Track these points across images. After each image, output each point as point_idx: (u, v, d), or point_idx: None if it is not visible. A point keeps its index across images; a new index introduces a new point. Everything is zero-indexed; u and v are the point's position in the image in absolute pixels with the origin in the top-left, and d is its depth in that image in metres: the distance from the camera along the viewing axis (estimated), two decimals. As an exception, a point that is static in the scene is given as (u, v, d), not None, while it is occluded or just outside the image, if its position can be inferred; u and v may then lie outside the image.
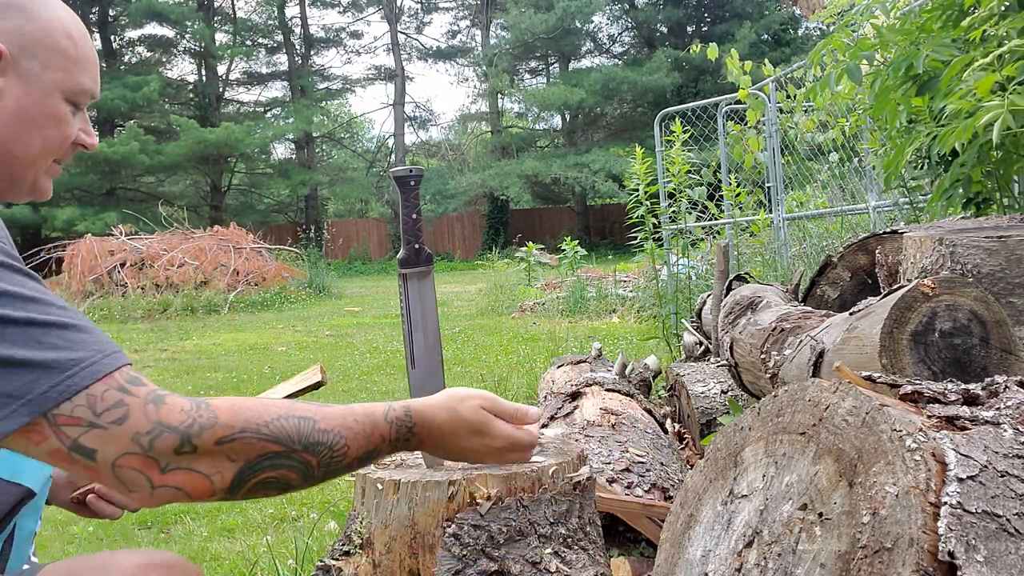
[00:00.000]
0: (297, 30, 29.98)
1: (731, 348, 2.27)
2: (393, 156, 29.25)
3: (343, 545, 1.29)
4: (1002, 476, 0.73)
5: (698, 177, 5.84)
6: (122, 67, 26.63)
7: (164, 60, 28.23)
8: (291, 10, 29.64)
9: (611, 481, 1.95)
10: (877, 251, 1.98)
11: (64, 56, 0.95)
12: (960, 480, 0.70)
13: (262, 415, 0.86)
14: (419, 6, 32.16)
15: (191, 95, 28.81)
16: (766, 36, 26.13)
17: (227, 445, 0.84)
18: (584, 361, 3.67)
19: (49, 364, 0.79)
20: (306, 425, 0.89)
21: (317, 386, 1.37)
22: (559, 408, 2.58)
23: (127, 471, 0.81)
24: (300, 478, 0.89)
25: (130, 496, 0.83)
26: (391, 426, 0.97)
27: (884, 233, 2.05)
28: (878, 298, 1.42)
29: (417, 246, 1.26)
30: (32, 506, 1.12)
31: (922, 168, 2.69)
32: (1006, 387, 0.90)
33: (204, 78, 28.59)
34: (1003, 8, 1.91)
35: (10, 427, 0.77)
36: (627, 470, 2.01)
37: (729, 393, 2.85)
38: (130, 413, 0.81)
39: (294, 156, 29.65)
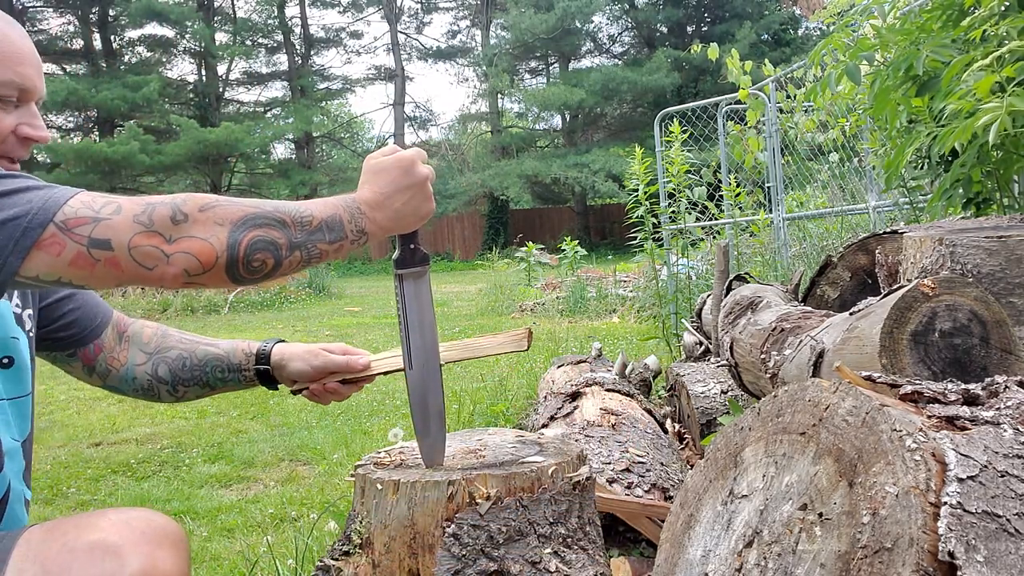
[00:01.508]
0: (297, 30, 30.00)
1: (731, 348, 2.27)
2: (393, 156, 29.20)
3: (343, 545, 1.29)
4: (1002, 476, 0.73)
5: (698, 177, 5.84)
6: (122, 67, 26.64)
7: (164, 60, 28.23)
8: (291, 10, 29.67)
9: (611, 481, 1.95)
10: (877, 251, 1.98)
11: None
12: (960, 480, 0.70)
13: (232, 197, 1.02)
14: (419, 6, 32.20)
15: (191, 95, 28.81)
16: (766, 36, 26.14)
17: (210, 211, 0.97)
18: (584, 361, 3.67)
19: (41, 187, 0.94)
20: (271, 200, 1.04)
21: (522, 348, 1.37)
22: (559, 408, 2.58)
23: (141, 249, 0.93)
24: (283, 236, 1.00)
25: (151, 273, 0.94)
26: (338, 199, 1.10)
27: (884, 233, 2.05)
28: (878, 298, 1.42)
29: (413, 246, 1.26)
30: (13, 468, 1.15)
31: (922, 168, 2.69)
32: (1006, 387, 0.90)
33: (204, 78, 28.59)
34: (1003, 8, 1.91)
35: (30, 240, 0.89)
36: (627, 470, 2.01)
37: (729, 393, 2.85)
38: (122, 205, 0.94)
39: (294, 156, 29.67)
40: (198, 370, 1.41)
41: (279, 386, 1.44)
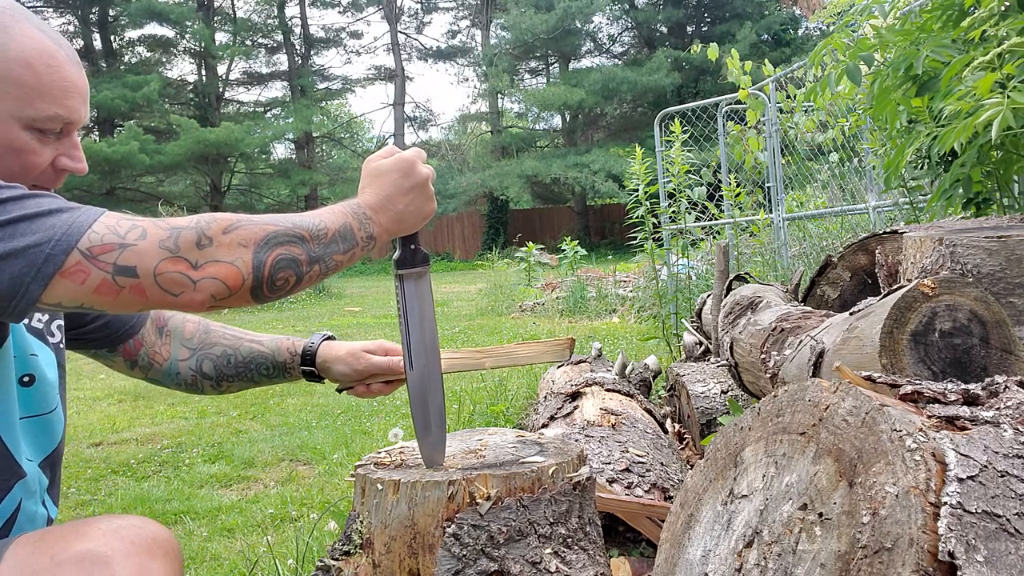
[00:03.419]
0: (297, 30, 30.02)
1: (731, 348, 2.27)
2: (393, 156, 29.24)
3: (343, 545, 1.29)
4: (1002, 476, 0.73)
5: (698, 177, 5.84)
6: (122, 67, 26.66)
7: (164, 60, 28.26)
8: (291, 10, 29.70)
9: (611, 481, 1.95)
10: (877, 251, 1.98)
11: (19, 86, 1.01)
12: (960, 480, 0.70)
13: (249, 214, 1.01)
14: (419, 6, 32.23)
15: (191, 95, 28.83)
16: (766, 36, 26.14)
17: (233, 233, 0.96)
18: (584, 361, 3.67)
19: (64, 209, 0.91)
20: (286, 215, 1.04)
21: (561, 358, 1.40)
22: (559, 408, 2.57)
23: (168, 276, 0.92)
24: (303, 252, 1.01)
25: (177, 300, 0.93)
26: (345, 207, 1.10)
27: (884, 233, 2.05)
28: (878, 298, 1.42)
29: (413, 246, 1.26)
30: (27, 488, 1.12)
31: (922, 168, 2.69)
32: (1006, 387, 0.90)
33: (204, 78, 28.60)
34: (1003, 8, 1.91)
35: (53, 267, 0.87)
36: (627, 470, 2.01)
37: (729, 393, 2.85)
38: (146, 229, 0.93)
39: (294, 156, 29.68)
40: (243, 367, 1.42)
41: (325, 380, 1.47)
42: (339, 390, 1.46)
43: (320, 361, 1.43)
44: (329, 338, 1.47)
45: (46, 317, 1.20)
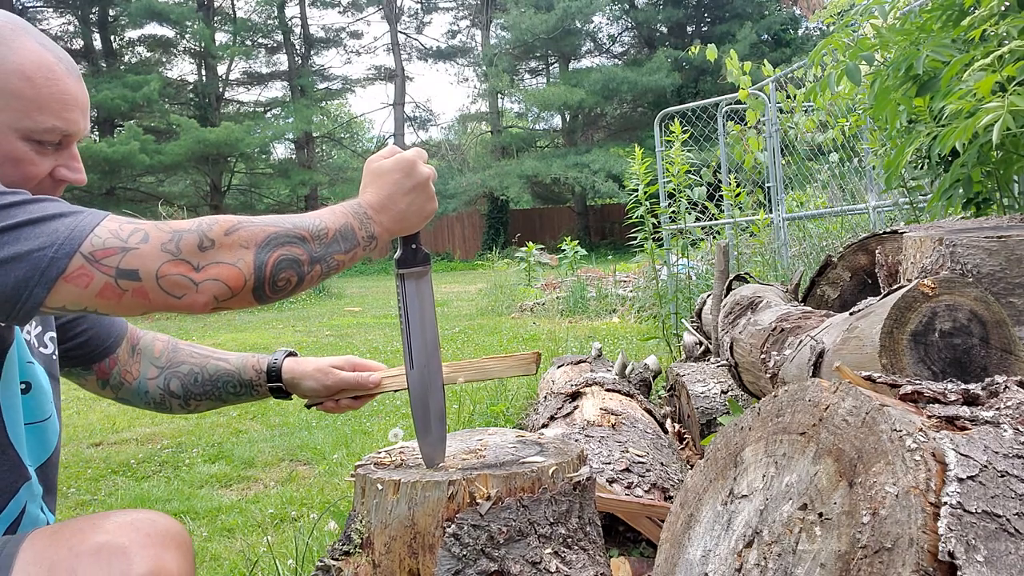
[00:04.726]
0: (297, 30, 30.02)
1: (731, 348, 2.27)
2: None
3: (343, 545, 1.29)
4: (1002, 476, 0.73)
5: (698, 177, 5.84)
6: (122, 67, 26.65)
7: (164, 60, 28.25)
8: (291, 10, 29.69)
9: (611, 481, 1.95)
10: (877, 251, 1.98)
11: (18, 98, 1.02)
12: (960, 480, 0.70)
13: (250, 215, 1.02)
14: (419, 6, 32.23)
15: (191, 95, 28.82)
16: (766, 36, 26.15)
17: (235, 235, 0.97)
18: (584, 361, 3.67)
19: (67, 213, 0.92)
20: (287, 216, 1.04)
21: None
22: (559, 408, 2.57)
23: (170, 278, 0.93)
24: (304, 252, 1.01)
25: (180, 302, 0.94)
26: (346, 207, 1.11)
27: (884, 233, 2.05)
28: (878, 298, 1.42)
29: (414, 246, 1.26)
30: (31, 492, 1.13)
31: (922, 168, 2.69)
32: (1006, 387, 0.90)
33: (204, 78, 28.60)
34: (1003, 8, 1.91)
35: (56, 271, 0.88)
36: (627, 470, 2.01)
37: (729, 393, 2.85)
38: (148, 232, 0.93)
39: (294, 156, 29.68)
40: (209, 385, 1.42)
41: (293, 397, 1.46)
42: (308, 406, 1.45)
43: (288, 377, 1.43)
44: (291, 354, 1.46)
45: (38, 329, 1.20)
